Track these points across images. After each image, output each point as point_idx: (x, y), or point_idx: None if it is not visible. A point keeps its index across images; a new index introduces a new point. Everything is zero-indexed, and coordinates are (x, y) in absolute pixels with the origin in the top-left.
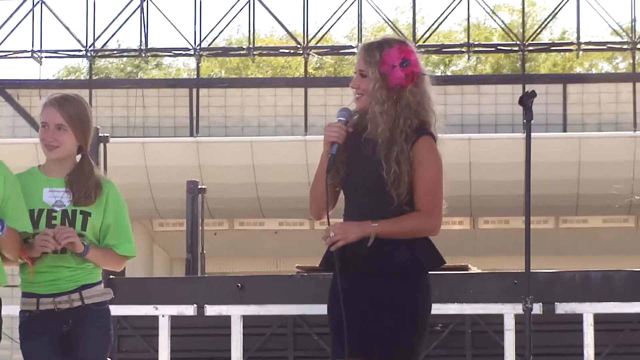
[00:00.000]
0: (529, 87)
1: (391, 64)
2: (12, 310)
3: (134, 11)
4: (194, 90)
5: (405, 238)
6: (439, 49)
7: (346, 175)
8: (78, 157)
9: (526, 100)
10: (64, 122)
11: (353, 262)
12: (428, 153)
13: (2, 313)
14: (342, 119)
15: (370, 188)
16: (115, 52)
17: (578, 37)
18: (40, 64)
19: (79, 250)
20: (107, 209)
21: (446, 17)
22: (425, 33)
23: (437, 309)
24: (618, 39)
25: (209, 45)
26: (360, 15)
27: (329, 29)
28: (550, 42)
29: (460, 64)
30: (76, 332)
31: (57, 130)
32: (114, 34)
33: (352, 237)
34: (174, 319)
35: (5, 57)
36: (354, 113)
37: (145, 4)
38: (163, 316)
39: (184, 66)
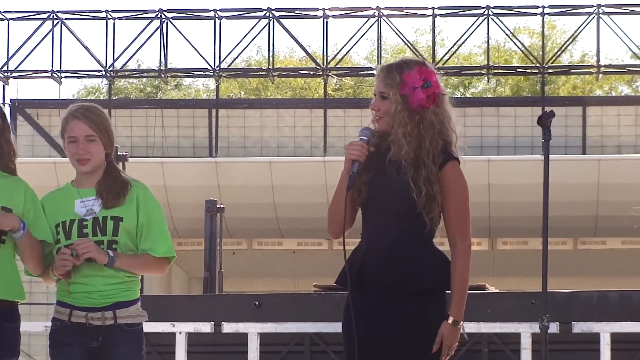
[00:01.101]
0: (548, 109)
1: (412, 86)
2: (30, 326)
3: (154, 32)
4: (213, 111)
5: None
6: (459, 71)
7: (369, 196)
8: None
9: (544, 120)
10: (92, 132)
11: (378, 282)
12: (458, 178)
13: (20, 329)
14: (364, 137)
15: (398, 210)
16: (134, 72)
17: (598, 60)
18: (60, 84)
19: (103, 262)
20: (139, 209)
21: (466, 40)
22: (445, 55)
23: None
24: (638, 62)
25: (228, 66)
26: (379, 37)
27: (349, 51)
28: (569, 64)
29: (480, 86)
30: (106, 351)
31: (88, 142)
32: (134, 54)
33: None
34: (191, 336)
35: (25, 77)
36: (375, 133)
37: (164, 25)
38: (180, 333)
39: (203, 87)
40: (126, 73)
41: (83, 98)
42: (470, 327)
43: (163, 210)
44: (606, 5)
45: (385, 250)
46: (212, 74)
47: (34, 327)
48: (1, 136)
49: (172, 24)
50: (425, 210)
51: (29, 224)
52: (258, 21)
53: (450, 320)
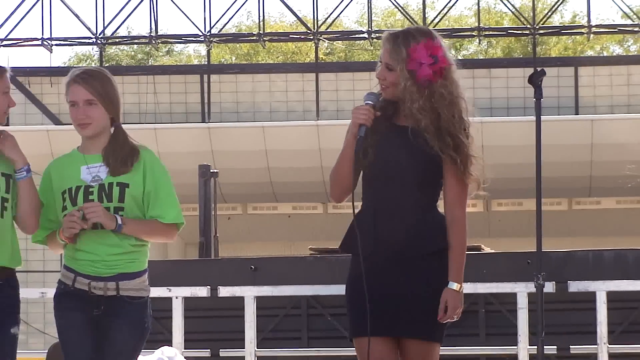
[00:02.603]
0: (539, 69)
1: (419, 61)
2: (27, 293)
3: None
4: (205, 77)
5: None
6: (450, 34)
7: (377, 159)
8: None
9: (536, 79)
10: (92, 97)
11: (389, 246)
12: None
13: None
14: (369, 102)
15: (412, 175)
16: (125, 39)
17: (589, 20)
18: (51, 52)
19: (111, 227)
20: (145, 176)
21: (456, 2)
22: (435, 18)
23: None
24: (629, 22)
25: (219, 31)
26: (370, 0)
27: (339, 14)
28: (561, 25)
29: (471, 48)
30: (107, 321)
31: (88, 106)
32: (124, 21)
33: None
34: (187, 301)
35: (15, 45)
36: (381, 97)
37: None
38: (177, 298)
39: (194, 53)
40: (117, 40)
41: (74, 65)
42: (466, 288)
43: (170, 176)
44: None
45: (397, 213)
46: (202, 39)
47: (31, 293)
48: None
49: None
50: (467, 173)
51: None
52: None
53: (455, 286)
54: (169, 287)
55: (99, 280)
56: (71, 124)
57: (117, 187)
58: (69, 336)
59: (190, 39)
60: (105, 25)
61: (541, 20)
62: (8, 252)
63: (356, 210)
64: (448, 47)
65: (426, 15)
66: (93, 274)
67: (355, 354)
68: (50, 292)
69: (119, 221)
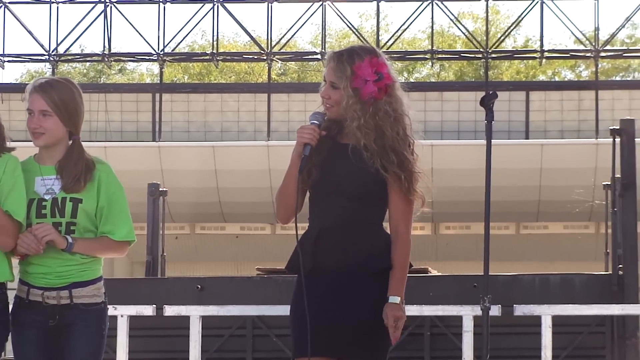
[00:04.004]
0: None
1: (363, 79)
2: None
3: (98, 16)
4: (157, 95)
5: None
6: (403, 56)
7: (320, 178)
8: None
9: (487, 101)
10: (47, 107)
11: (334, 265)
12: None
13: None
14: (315, 122)
15: (354, 193)
16: (78, 56)
17: (541, 45)
18: (3, 68)
19: (61, 247)
20: (99, 192)
21: (410, 24)
22: (389, 40)
23: None
24: (581, 47)
25: (172, 50)
26: (324, 22)
27: (293, 35)
28: (513, 49)
29: (424, 71)
30: (63, 331)
31: (42, 116)
32: (77, 38)
33: None
34: (132, 320)
35: None
36: (326, 116)
37: (109, 9)
38: (122, 316)
39: (147, 71)
40: (70, 57)
41: (26, 82)
42: (412, 310)
43: (125, 193)
44: None
45: (342, 232)
46: (156, 58)
47: None
48: None
49: (116, 8)
50: (410, 191)
51: (3, 196)
52: (202, 5)
53: (396, 300)
54: (114, 306)
55: (52, 290)
56: (22, 141)
57: (70, 202)
58: (22, 352)
59: (144, 57)
60: (58, 42)
61: (494, 44)
62: None
63: (305, 231)
64: (391, 65)
65: (380, 38)
66: (46, 285)
67: None
68: None
69: (70, 240)
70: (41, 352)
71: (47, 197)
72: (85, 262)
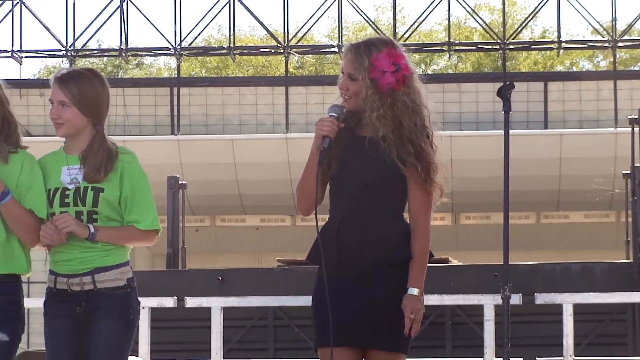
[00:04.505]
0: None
1: (381, 70)
2: (26, 303)
3: (114, 11)
4: (175, 89)
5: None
6: (420, 48)
7: (339, 170)
8: None
9: (505, 92)
10: (65, 98)
11: (355, 256)
12: None
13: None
14: (333, 114)
15: (372, 184)
16: (95, 51)
17: (559, 36)
18: (21, 64)
19: (83, 236)
20: (122, 181)
21: (427, 17)
22: (406, 32)
23: None
24: (599, 37)
25: (189, 44)
26: (340, 15)
27: (310, 28)
28: (531, 40)
29: (442, 63)
30: (90, 317)
31: (61, 107)
32: (94, 33)
33: None
34: (154, 311)
35: None
36: (344, 109)
37: (125, 4)
38: (143, 308)
39: (164, 65)
40: (87, 52)
41: (44, 78)
42: (433, 300)
43: (149, 182)
44: None
45: (361, 223)
46: (173, 52)
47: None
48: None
49: (133, 3)
50: (428, 181)
51: (23, 194)
52: (218, 0)
53: (414, 291)
54: None
55: (75, 276)
56: (40, 136)
57: (91, 191)
58: (50, 342)
59: (161, 51)
60: (75, 37)
61: (511, 35)
62: None
63: (323, 222)
64: (409, 57)
65: (397, 30)
66: (69, 272)
67: None
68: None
69: (92, 229)
70: (69, 340)
71: (70, 186)
72: (108, 249)
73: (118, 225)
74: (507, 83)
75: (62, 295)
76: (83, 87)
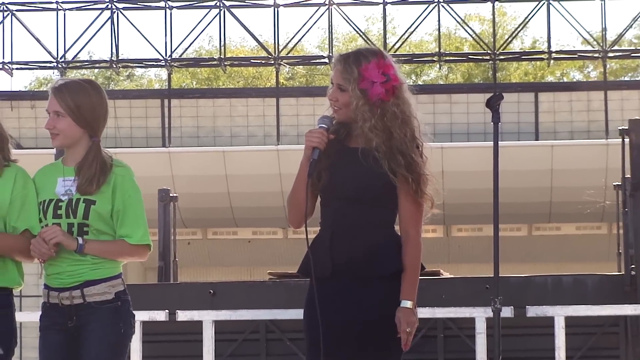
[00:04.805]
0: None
1: (371, 80)
2: (18, 317)
3: (105, 23)
4: (166, 101)
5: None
6: (410, 59)
7: (330, 182)
8: None
9: (493, 103)
10: (60, 109)
11: (347, 268)
12: None
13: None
14: (323, 125)
15: (363, 196)
16: (86, 63)
17: (549, 46)
18: (11, 76)
19: (71, 248)
20: (115, 194)
21: (417, 27)
22: (396, 43)
23: None
24: (589, 48)
25: (179, 56)
26: (330, 26)
27: (300, 39)
28: (521, 51)
29: (432, 74)
30: (81, 331)
31: (56, 117)
32: (85, 45)
33: None
34: (145, 325)
35: None
36: (334, 120)
37: (115, 15)
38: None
39: (155, 77)
40: (78, 64)
41: (35, 89)
42: (424, 313)
43: (141, 196)
44: None
45: (352, 235)
46: (163, 64)
47: (23, 317)
48: None
49: (123, 15)
50: (420, 193)
51: (17, 209)
52: (209, 11)
53: (408, 304)
54: None
55: (65, 290)
56: (32, 148)
57: (83, 203)
58: (43, 357)
59: (151, 63)
60: (66, 49)
61: (501, 45)
62: None
63: (314, 235)
64: (399, 67)
65: (387, 41)
66: (60, 285)
67: None
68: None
69: (80, 241)
70: (61, 355)
71: (64, 198)
72: (98, 262)
73: (110, 239)
74: (496, 94)
75: (55, 309)
76: (79, 98)
